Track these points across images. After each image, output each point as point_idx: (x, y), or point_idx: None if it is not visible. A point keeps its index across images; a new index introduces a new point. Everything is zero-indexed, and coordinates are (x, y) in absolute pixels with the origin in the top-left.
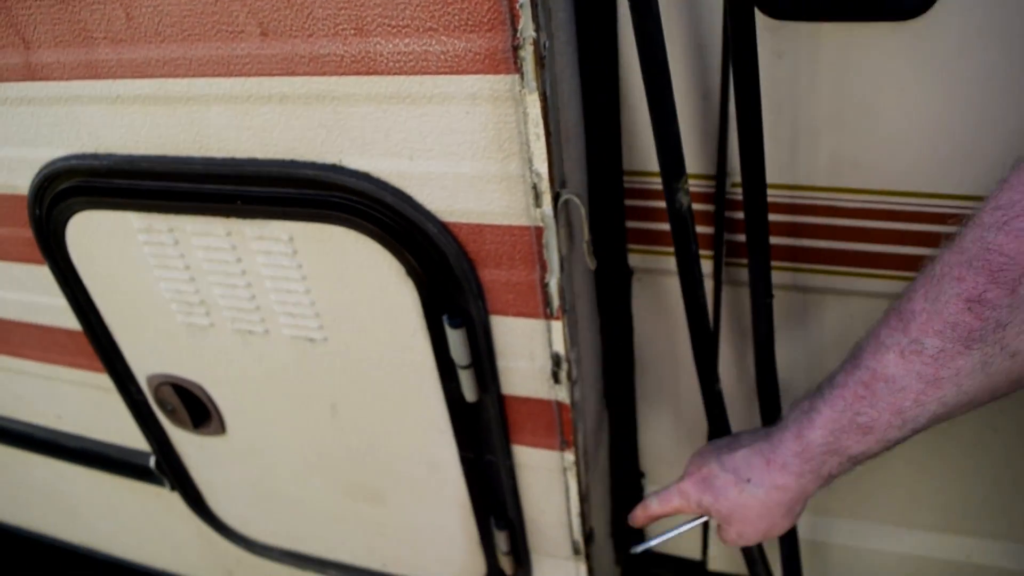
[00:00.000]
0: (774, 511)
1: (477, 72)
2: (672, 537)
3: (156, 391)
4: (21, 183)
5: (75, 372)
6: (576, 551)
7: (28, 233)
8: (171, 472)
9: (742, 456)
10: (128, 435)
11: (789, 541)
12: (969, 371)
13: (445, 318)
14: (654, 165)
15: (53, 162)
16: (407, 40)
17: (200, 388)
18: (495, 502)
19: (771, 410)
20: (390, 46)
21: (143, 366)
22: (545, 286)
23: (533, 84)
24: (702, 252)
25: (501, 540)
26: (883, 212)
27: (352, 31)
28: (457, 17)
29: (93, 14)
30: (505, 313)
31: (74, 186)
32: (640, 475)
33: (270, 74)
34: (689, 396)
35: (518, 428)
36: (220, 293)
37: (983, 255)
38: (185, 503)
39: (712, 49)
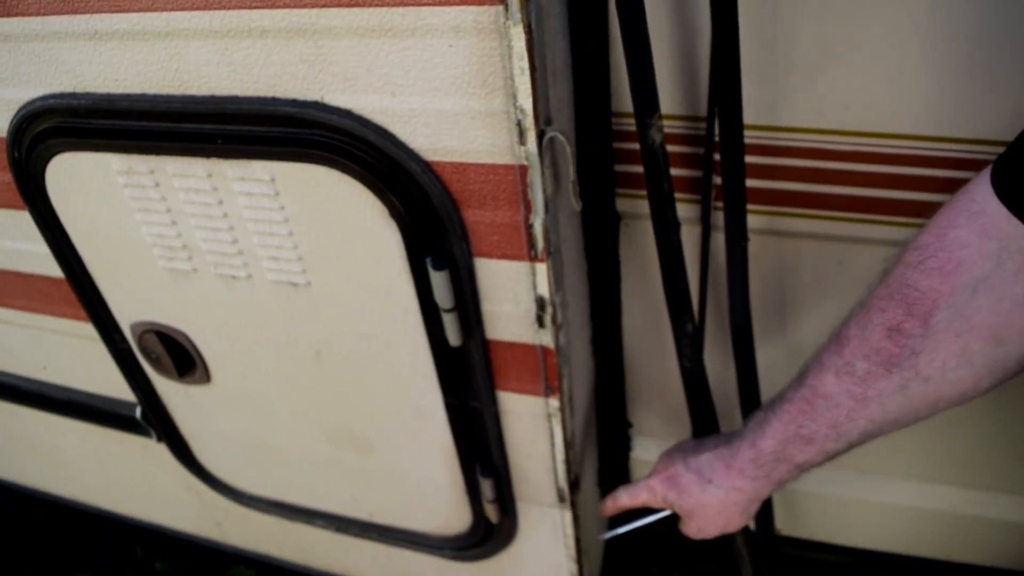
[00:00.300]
0: (731, 510)
1: (461, 3)
2: (639, 527)
3: (140, 339)
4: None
5: (59, 321)
6: (561, 499)
7: (8, 176)
8: (157, 423)
9: (705, 459)
10: (114, 385)
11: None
12: (891, 392)
13: (428, 260)
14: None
15: (31, 102)
16: None
17: (184, 336)
18: (480, 449)
19: (746, 356)
20: None
21: (126, 314)
22: (530, 227)
23: (518, 16)
24: (688, 196)
25: (486, 488)
26: (876, 156)
27: None
28: None
29: None
30: (489, 255)
31: (53, 127)
32: (628, 425)
33: (250, 7)
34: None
35: (503, 374)
36: (202, 237)
37: (902, 289)
38: (172, 454)
39: None
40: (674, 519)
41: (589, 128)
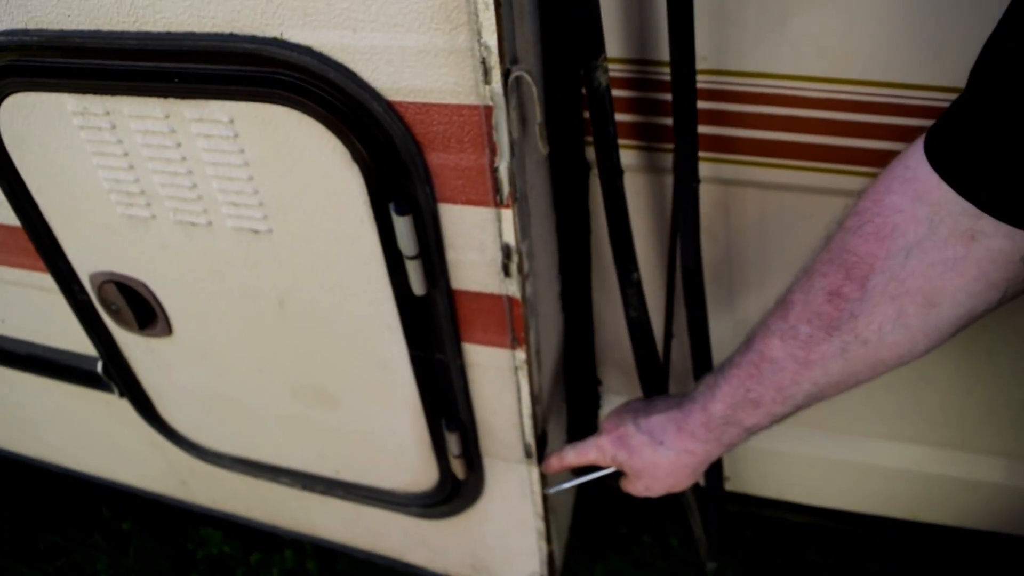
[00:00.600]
0: (681, 471)
1: None
2: (584, 482)
3: (99, 290)
4: None
5: (16, 272)
6: (528, 454)
7: None
8: (119, 377)
9: (657, 421)
10: (74, 339)
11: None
12: (831, 356)
13: (392, 205)
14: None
15: None
16: None
17: (144, 286)
18: (446, 403)
19: (696, 302)
20: None
21: (85, 263)
22: (495, 171)
23: None
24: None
25: (452, 442)
26: (850, 103)
27: None
28: None
29: None
30: (454, 201)
31: (4, 65)
32: (597, 382)
33: None
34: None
35: (468, 325)
36: (160, 182)
37: (841, 255)
38: (135, 410)
39: None
40: (616, 475)
41: (557, 72)
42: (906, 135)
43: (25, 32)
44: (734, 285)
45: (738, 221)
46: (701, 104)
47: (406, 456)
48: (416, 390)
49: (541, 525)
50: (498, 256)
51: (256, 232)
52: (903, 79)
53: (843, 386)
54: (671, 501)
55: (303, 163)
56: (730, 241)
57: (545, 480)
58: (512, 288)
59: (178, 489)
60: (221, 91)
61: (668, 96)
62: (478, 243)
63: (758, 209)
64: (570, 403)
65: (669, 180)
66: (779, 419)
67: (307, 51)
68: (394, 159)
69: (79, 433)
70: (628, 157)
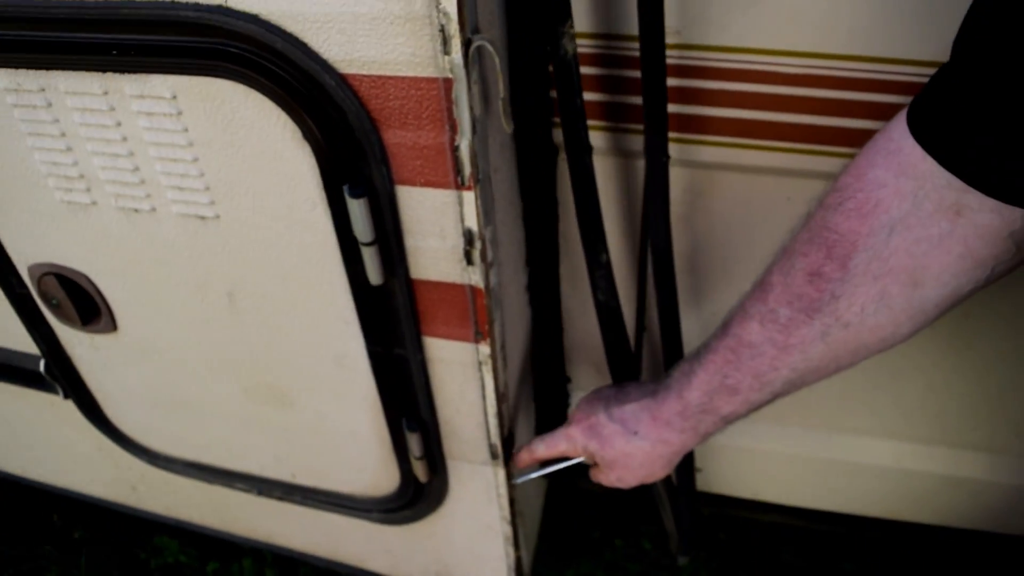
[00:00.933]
0: (656, 461)
1: None
2: (550, 472)
3: (39, 283)
4: None
5: None
6: (494, 455)
7: None
8: (64, 377)
9: (630, 410)
10: (15, 337)
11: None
12: (812, 339)
13: (346, 188)
14: (584, 24)
15: None
16: None
17: (86, 278)
18: (407, 402)
19: (666, 284)
20: None
21: (23, 255)
22: (456, 150)
23: None
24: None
25: (414, 443)
26: (829, 80)
27: None
28: None
29: None
30: (412, 183)
31: None
32: (566, 379)
33: None
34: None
35: (429, 317)
36: (100, 164)
37: (822, 233)
38: (81, 412)
39: None
40: (586, 468)
41: (522, 44)
42: (891, 113)
43: None
44: (710, 274)
45: (714, 206)
46: (672, 81)
47: (366, 458)
48: (375, 387)
49: (508, 530)
50: (460, 243)
51: (203, 218)
52: (888, 53)
53: (823, 372)
54: (644, 501)
55: (251, 142)
56: (705, 228)
57: (511, 472)
58: (475, 277)
59: (129, 496)
60: (162, 64)
61: (637, 73)
62: (438, 228)
63: (734, 194)
64: (538, 402)
65: (640, 164)
66: (757, 407)
67: (253, 19)
68: (348, 137)
69: (24, 437)
70: (596, 139)
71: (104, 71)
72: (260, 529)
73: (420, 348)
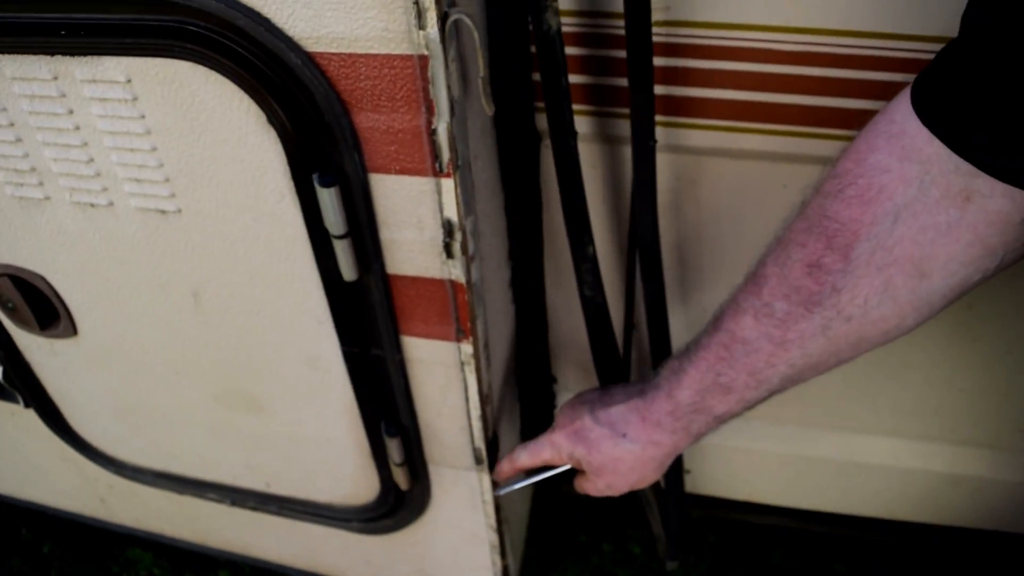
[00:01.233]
0: (647, 465)
1: None
2: (536, 481)
3: None
4: None
5: None
6: (478, 460)
7: None
8: (23, 385)
9: (618, 412)
10: None
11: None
12: (811, 334)
13: (315, 176)
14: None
15: None
16: None
17: (43, 280)
18: (385, 405)
19: (653, 275)
20: None
21: None
22: (433, 133)
23: None
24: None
25: (393, 449)
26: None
27: None
28: None
29: None
30: (387, 170)
31: None
32: (552, 380)
33: None
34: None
35: (408, 315)
36: (52, 156)
37: (821, 222)
38: (43, 421)
39: None
40: (571, 474)
41: (502, 19)
42: (892, 93)
43: None
44: (700, 266)
45: (704, 194)
46: (660, 60)
47: (343, 465)
48: (351, 391)
49: (494, 537)
50: (439, 234)
51: (163, 212)
52: (890, 28)
53: (823, 367)
54: (632, 504)
55: (213, 128)
56: (695, 217)
57: (495, 482)
58: (456, 271)
59: (98, 508)
60: (115, 45)
61: (623, 53)
62: (415, 219)
63: (727, 180)
64: (523, 403)
65: (626, 150)
66: (752, 405)
67: None
68: (317, 121)
69: None
70: (581, 124)
71: (52, 54)
72: (235, 541)
73: (398, 348)
